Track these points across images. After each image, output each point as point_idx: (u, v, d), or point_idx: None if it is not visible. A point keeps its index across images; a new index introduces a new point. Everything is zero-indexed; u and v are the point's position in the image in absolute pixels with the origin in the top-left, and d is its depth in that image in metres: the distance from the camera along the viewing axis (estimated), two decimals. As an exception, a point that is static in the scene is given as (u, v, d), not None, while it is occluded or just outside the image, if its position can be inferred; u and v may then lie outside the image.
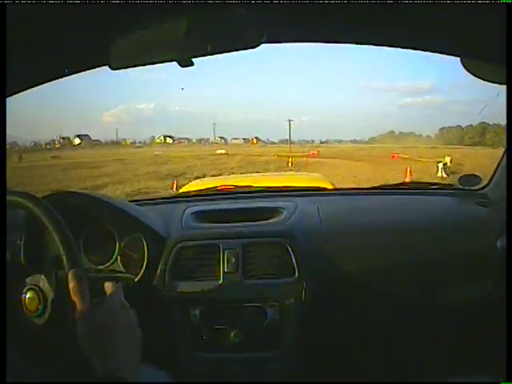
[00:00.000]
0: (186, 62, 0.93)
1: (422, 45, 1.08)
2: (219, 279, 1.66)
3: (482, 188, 1.93)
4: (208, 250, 1.71)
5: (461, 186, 2.00)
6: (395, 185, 2.37)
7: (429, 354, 1.72)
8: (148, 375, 1.38)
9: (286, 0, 0.86)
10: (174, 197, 2.33)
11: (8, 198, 1.07)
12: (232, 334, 1.67)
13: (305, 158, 30.88)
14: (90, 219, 1.74)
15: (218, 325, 1.68)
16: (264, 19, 0.84)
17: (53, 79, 1.22)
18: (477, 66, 1.14)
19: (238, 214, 1.88)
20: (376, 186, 2.35)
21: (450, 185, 2.17)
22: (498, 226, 1.60)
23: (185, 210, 1.91)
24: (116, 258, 1.70)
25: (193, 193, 2.50)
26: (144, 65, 0.96)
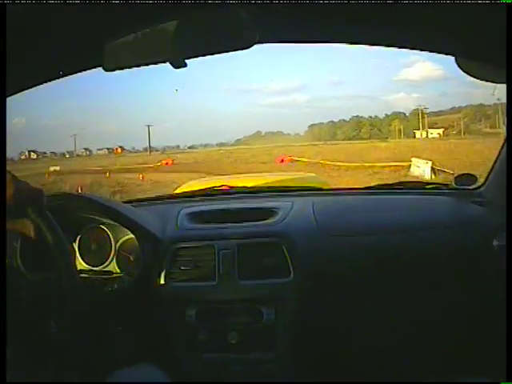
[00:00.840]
0: (179, 64, 0.92)
1: (419, 44, 1.08)
2: (214, 280, 1.66)
3: (478, 187, 1.93)
4: (203, 251, 1.70)
5: (456, 186, 2.00)
6: (390, 185, 2.37)
7: (428, 354, 1.72)
8: (145, 375, 1.38)
9: (280, 0, 0.86)
10: (169, 197, 2.32)
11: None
12: (228, 334, 1.67)
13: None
14: (85, 221, 1.73)
15: (213, 325, 1.68)
16: (257, 20, 0.84)
17: (48, 81, 1.21)
18: (472, 65, 1.14)
19: (233, 214, 1.88)
20: (371, 185, 2.35)
21: (445, 184, 2.17)
22: (494, 225, 1.61)
23: (180, 211, 1.90)
24: (111, 260, 1.70)
25: (188, 193, 2.49)
26: (138, 66, 0.96)
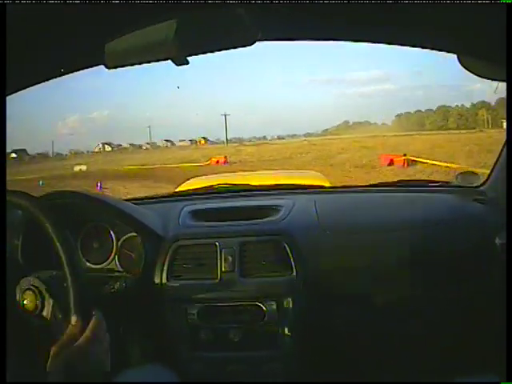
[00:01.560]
0: (181, 61, 0.92)
1: (421, 42, 1.07)
2: (216, 278, 1.66)
3: (480, 185, 1.93)
4: (205, 249, 1.71)
5: (459, 184, 1.99)
6: (393, 182, 2.37)
7: (428, 354, 1.72)
8: (148, 374, 1.38)
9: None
10: (171, 195, 2.32)
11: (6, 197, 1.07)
12: (230, 332, 1.67)
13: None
14: (88, 219, 1.73)
15: (215, 324, 1.68)
16: (259, 17, 0.84)
17: (49, 79, 1.21)
18: (475, 63, 1.13)
19: (236, 212, 1.88)
20: (374, 183, 2.34)
21: (448, 182, 2.17)
22: (497, 223, 1.61)
23: (182, 209, 1.91)
24: (114, 258, 1.70)
25: (190, 191, 2.49)
26: (140, 63, 0.96)
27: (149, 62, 0.94)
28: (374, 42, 1.09)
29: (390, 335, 1.76)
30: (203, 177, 3.54)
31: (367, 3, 0.85)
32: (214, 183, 2.49)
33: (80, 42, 1.04)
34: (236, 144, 49.47)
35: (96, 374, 0.89)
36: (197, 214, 1.88)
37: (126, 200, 2.12)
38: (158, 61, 0.93)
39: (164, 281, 1.68)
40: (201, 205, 2.01)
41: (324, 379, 1.72)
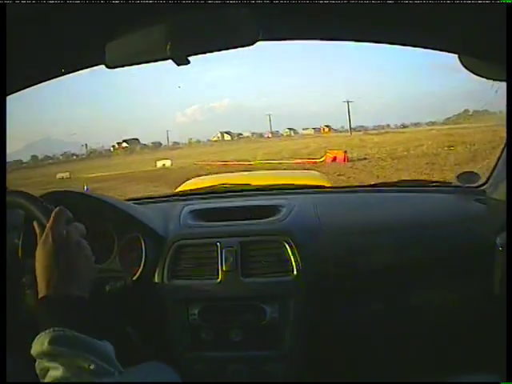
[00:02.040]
0: (181, 61, 0.93)
1: (422, 42, 1.08)
2: (217, 278, 1.66)
3: (481, 185, 1.93)
4: (206, 249, 1.71)
5: (459, 184, 1.99)
6: (394, 182, 2.37)
7: (428, 354, 1.72)
8: (148, 373, 1.38)
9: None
10: (171, 195, 2.32)
11: (6, 197, 1.07)
12: (231, 332, 1.67)
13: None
14: (88, 218, 1.73)
15: (216, 323, 1.68)
16: (260, 17, 0.84)
17: (49, 79, 1.21)
18: (475, 63, 1.14)
19: (236, 212, 1.88)
20: (374, 183, 2.34)
21: (448, 182, 2.17)
22: (497, 223, 1.60)
23: (183, 209, 1.91)
24: (114, 257, 1.70)
25: (191, 191, 2.49)
26: (140, 63, 0.96)
27: (149, 61, 0.94)
28: (375, 42, 1.09)
29: (389, 335, 1.76)
30: (204, 177, 3.55)
31: (368, 3, 0.85)
32: (214, 183, 2.49)
33: (80, 41, 1.04)
34: (360, 132, 46.00)
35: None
36: (197, 214, 1.88)
37: (127, 200, 2.12)
38: (158, 60, 0.93)
39: (165, 281, 1.68)
40: (201, 205, 2.01)
41: (324, 379, 1.72)
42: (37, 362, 0.83)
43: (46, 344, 0.82)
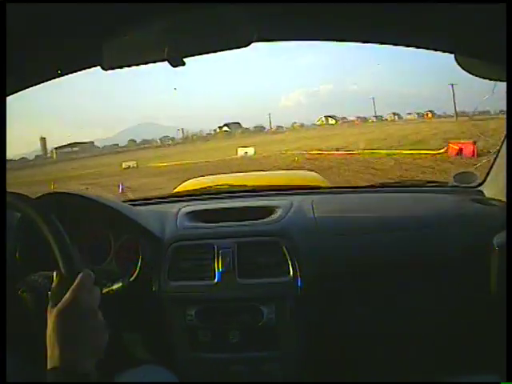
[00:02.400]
0: (177, 62, 0.92)
1: (420, 42, 1.08)
2: (214, 279, 1.66)
3: (478, 185, 1.93)
4: (203, 250, 1.70)
5: (457, 184, 1.99)
6: (391, 183, 2.37)
7: (428, 354, 1.72)
8: (146, 375, 1.38)
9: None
10: (168, 197, 2.32)
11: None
12: (228, 333, 1.67)
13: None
14: (85, 220, 1.73)
15: (213, 324, 1.68)
16: (255, 19, 0.84)
17: (47, 80, 1.21)
18: (471, 63, 1.14)
19: (233, 213, 1.87)
20: (372, 184, 2.35)
21: (446, 182, 2.17)
22: (495, 223, 1.60)
23: (179, 210, 1.90)
24: (111, 259, 1.70)
25: (187, 192, 2.49)
26: (136, 65, 0.96)
27: (145, 63, 0.94)
28: (373, 42, 1.09)
29: (389, 335, 1.76)
30: (201, 177, 3.54)
31: (365, 3, 0.85)
32: (211, 184, 2.48)
33: (77, 43, 1.04)
34: (465, 118, 39.43)
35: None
36: (194, 215, 1.88)
37: (124, 201, 2.12)
38: (154, 62, 0.93)
39: (162, 282, 1.68)
40: (198, 206, 2.00)
41: (322, 379, 1.72)
42: None
43: None
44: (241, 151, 24.36)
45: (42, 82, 1.22)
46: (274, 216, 1.80)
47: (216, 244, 1.69)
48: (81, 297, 0.88)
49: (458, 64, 1.14)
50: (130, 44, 0.92)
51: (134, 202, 2.16)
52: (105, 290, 1.57)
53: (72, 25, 0.93)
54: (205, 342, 1.68)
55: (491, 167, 1.85)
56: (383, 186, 2.30)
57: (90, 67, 1.17)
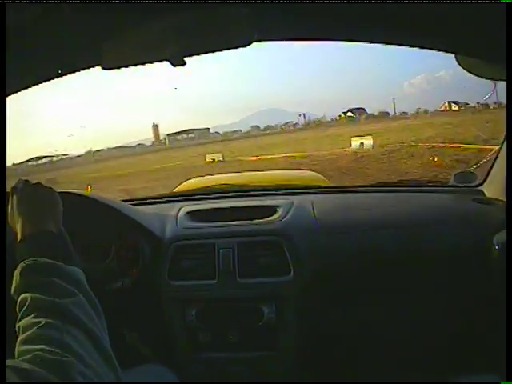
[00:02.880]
0: (177, 62, 0.92)
1: (420, 42, 1.07)
2: (215, 278, 1.66)
3: (478, 185, 1.93)
4: (203, 250, 1.70)
5: (457, 183, 1.99)
6: (392, 183, 2.37)
7: (428, 354, 1.72)
8: (146, 375, 1.38)
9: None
10: (168, 196, 2.32)
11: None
12: (228, 333, 1.67)
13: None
14: (86, 220, 1.73)
15: (214, 324, 1.68)
16: (256, 17, 0.83)
17: (48, 80, 1.21)
18: (472, 63, 1.14)
19: (233, 212, 1.87)
20: (372, 183, 2.34)
21: (446, 182, 2.16)
22: (495, 223, 1.60)
23: (179, 210, 1.90)
24: (112, 259, 1.69)
25: (188, 192, 2.49)
26: (136, 65, 0.96)
27: (145, 63, 0.94)
28: (373, 42, 1.09)
29: (389, 335, 1.76)
30: (201, 177, 3.54)
31: (366, 3, 0.85)
32: (211, 183, 2.48)
33: (76, 43, 1.04)
34: None
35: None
36: (194, 215, 1.88)
37: (124, 201, 2.12)
38: (154, 62, 0.93)
39: (162, 282, 1.68)
40: (198, 205, 2.00)
41: (322, 379, 1.72)
42: (17, 299, 0.83)
43: (18, 276, 0.84)
44: (355, 142, 19.94)
45: (43, 81, 1.22)
46: (275, 216, 1.80)
47: (216, 243, 1.69)
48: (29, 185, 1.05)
49: (459, 64, 1.14)
50: (131, 43, 0.92)
51: (134, 201, 2.16)
52: (105, 289, 1.58)
53: (72, 24, 0.93)
54: (205, 342, 1.68)
55: (491, 167, 1.85)
56: (384, 185, 2.30)
57: (89, 67, 1.17)
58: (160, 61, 0.91)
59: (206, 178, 3.64)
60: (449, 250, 1.69)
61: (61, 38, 0.99)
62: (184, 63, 0.92)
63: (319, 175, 3.38)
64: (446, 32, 0.99)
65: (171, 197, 2.29)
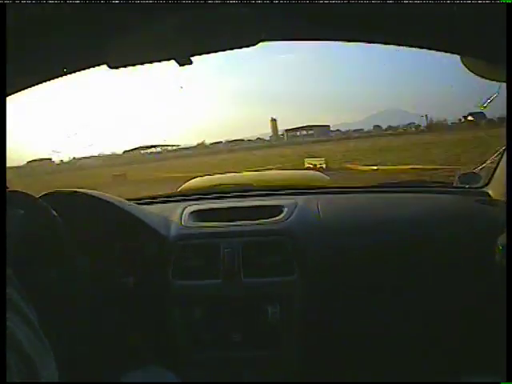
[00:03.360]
0: (184, 61, 0.93)
1: (422, 43, 1.07)
2: (219, 278, 1.66)
3: (483, 186, 1.92)
4: (208, 249, 1.71)
5: (461, 184, 1.99)
6: (396, 183, 2.37)
7: (428, 354, 1.72)
8: (149, 374, 1.39)
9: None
10: (173, 195, 2.32)
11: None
12: (232, 333, 1.67)
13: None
14: (90, 219, 1.73)
15: (218, 324, 1.68)
16: (262, 17, 0.84)
17: (51, 79, 1.22)
18: (477, 64, 1.13)
19: (238, 212, 1.88)
20: (376, 184, 2.34)
21: (450, 183, 2.16)
22: (499, 224, 1.60)
23: (184, 209, 1.91)
24: (115, 258, 1.70)
25: (192, 191, 2.49)
26: (142, 64, 0.96)
27: (152, 62, 0.94)
28: (375, 43, 1.09)
29: (390, 336, 1.76)
30: (205, 177, 3.54)
31: (368, 3, 0.85)
32: (215, 183, 2.48)
33: (82, 41, 1.04)
34: None
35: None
36: (199, 215, 1.88)
37: (128, 200, 2.12)
38: (160, 61, 0.93)
39: (166, 281, 1.68)
40: (202, 205, 2.00)
41: (326, 379, 1.72)
42: None
43: None
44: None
45: (44, 81, 1.23)
46: (279, 215, 1.80)
47: (221, 243, 1.69)
48: None
49: (464, 65, 1.14)
50: (137, 42, 0.93)
51: (138, 200, 2.17)
52: (109, 289, 1.58)
53: (76, 23, 0.93)
54: (209, 341, 1.69)
55: (496, 168, 1.85)
56: (388, 185, 2.29)
57: (95, 66, 1.17)
58: (166, 60, 0.92)
59: (211, 177, 3.64)
60: (452, 250, 1.69)
61: (65, 36, 0.99)
62: (190, 62, 0.92)
63: (323, 175, 3.37)
64: (446, 32, 0.99)
65: (176, 196, 2.29)
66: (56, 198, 1.60)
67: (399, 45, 1.08)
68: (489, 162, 1.95)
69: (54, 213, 1.34)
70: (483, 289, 1.63)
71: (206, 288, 1.68)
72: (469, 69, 1.15)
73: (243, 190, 2.23)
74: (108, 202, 1.71)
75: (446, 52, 1.08)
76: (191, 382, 1.66)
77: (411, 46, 1.07)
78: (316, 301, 1.68)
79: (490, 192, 1.86)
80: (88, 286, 1.42)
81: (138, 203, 2.03)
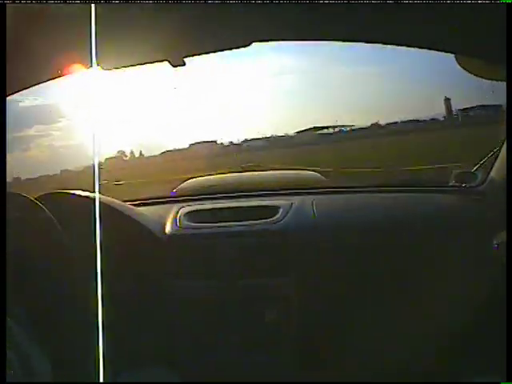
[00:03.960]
0: (177, 62, 0.92)
1: (420, 42, 1.07)
2: (214, 279, 1.66)
3: (479, 185, 1.93)
4: (204, 250, 1.70)
5: (457, 184, 1.99)
6: (392, 183, 2.37)
7: (428, 354, 1.72)
8: (147, 375, 1.38)
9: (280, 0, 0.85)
10: (168, 196, 2.32)
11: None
12: (230, 334, 1.67)
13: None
14: (86, 220, 1.72)
15: (215, 326, 1.68)
16: (255, 19, 0.83)
17: (46, 81, 1.21)
18: (471, 63, 1.13)
19: (233, 213, 1.87)
20: (372, 184, 2.34)
21: (446, 182, 2.16)
22: (495, 224, 1.60)
23: (179, 210, 1.90)
24: (112, 259, 1.69)
25: (187, 192, 2.49)
26: (136, 65, 0.96)
27: (145, 63, 0.93)
28: (373, 42, 1.08)
29: (389, 335, 1.76)
30: (200, 177, 3.54)
31: (366, 3, 0.85)
32: (211, 184, 2.48)
33: (76, 42, 1.04)
34: None
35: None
36: (194, 215, 1.88)
37: (124, 201, 2.11)
38: (154, 62, 0.93)
39: (163, 282, 1.68)
40: (198, 206, 2.00)
41: (324, 380, 1.72)
42: None
43: None
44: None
45: (41, 82, 1.22)
46: (275, 216, 1.80)
47: (216, 244, 1.69)
48: None
49: (459, 64, 1.14)
50: (130, 44, 0.92)
51: (134, 202, 2.16)
52: (106, 291, 1.58)
53: (71, 24, 0.92)
54: (206, 344, 1.68)
55: (492, 167, 1.85)
56: (384, 185, 2.29)
57: (88, 67, 1.17)
58: (160, 61, 0.92)
59: (206, 178, 3.64)
60: (449, 250, 1.69)
61: (61, 38, 0.99)
62: (183, 63, 0.92)
63: (319, 175, 3.38)
64: (446, 32, 0.99)
65: (171, 197, 2.29)
66: (52, 199, 1.59)
67: (396, 44, 1.08)
68: (485, 160, 1.95)
69: (49, 214, 1.33)
70: (482, 288, 1.63)
71: (201, 289, 1.68)
72: (464, 68, 1.14)
73: (239, 191, 2.23)
74: (104, 203, 1.70)
75: (445, 52, 1.08)
76: (189, 383, 1.66)
77: (409, 46, 1.07)
78: (312, 301, 1.67)
79: (487, 191, 1.86)
80: (85, 286, 1.41)
81: (134, 204, 2.03)
